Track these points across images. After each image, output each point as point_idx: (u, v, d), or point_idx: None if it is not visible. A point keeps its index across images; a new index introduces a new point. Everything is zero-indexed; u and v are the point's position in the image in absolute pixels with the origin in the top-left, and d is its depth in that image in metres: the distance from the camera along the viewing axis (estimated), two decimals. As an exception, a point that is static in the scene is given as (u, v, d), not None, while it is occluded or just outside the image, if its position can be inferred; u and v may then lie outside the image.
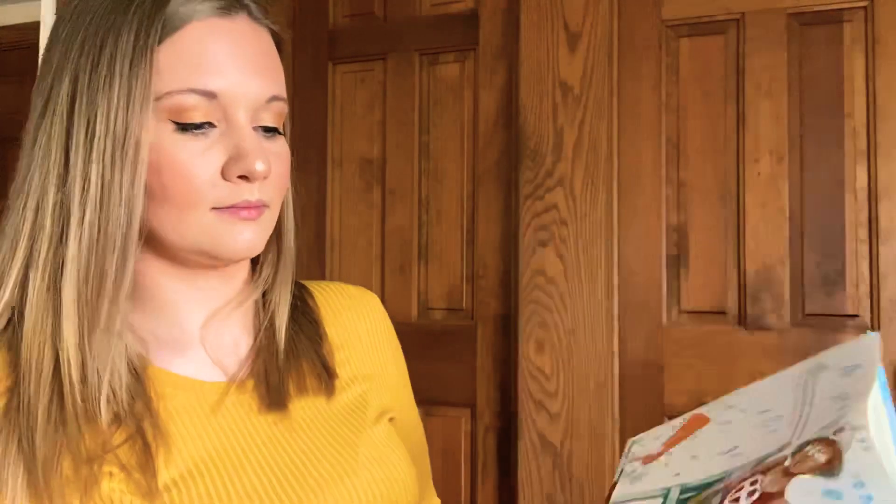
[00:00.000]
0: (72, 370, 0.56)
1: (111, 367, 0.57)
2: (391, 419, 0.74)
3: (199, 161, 0.59)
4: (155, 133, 0.58)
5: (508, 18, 1.59)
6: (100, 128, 0.57)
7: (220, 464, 0.59)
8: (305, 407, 0.66)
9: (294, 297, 0.71)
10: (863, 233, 1.34)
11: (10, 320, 0.59)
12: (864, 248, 1.34)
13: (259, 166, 0.59)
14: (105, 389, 0.57)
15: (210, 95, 0.58)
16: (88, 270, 0.57)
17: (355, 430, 0.67)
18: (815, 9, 1.37)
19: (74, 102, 0.58)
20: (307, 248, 1.74)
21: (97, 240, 0.57)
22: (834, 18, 1.37)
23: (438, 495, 0.89)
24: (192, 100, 0.58)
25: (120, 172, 0.57)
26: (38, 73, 0.62)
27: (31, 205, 0.59)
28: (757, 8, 1.40)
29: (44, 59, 0.62)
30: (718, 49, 1.44)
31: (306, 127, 1.76)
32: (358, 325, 0.76)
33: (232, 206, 0.60)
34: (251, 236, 0.61)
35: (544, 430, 1.46)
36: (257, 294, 0.68)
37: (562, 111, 1.49)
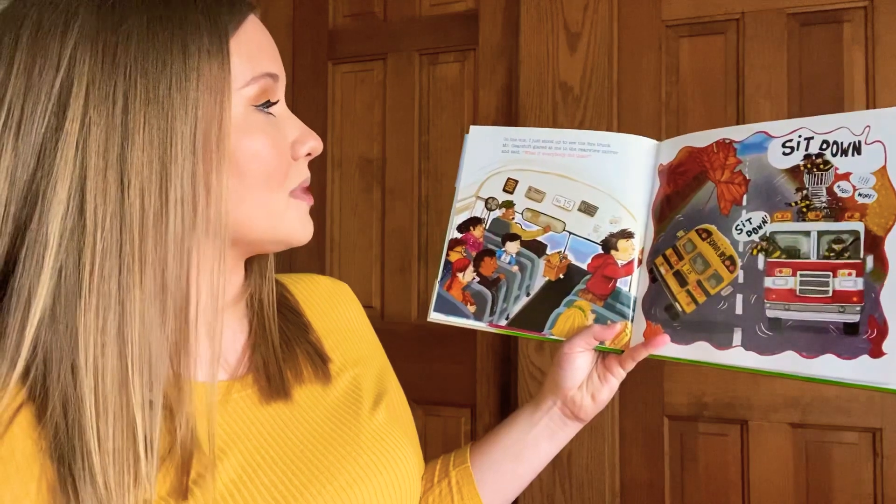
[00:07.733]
0: (149, 446, 0.52)
1: (153, 434, 0.53)
2: (384, 397, 0.75)
3: (276, 142, 0.61)
4: (240, 123, 0.58)
5: (508, 18, 1.59)
6: (188, 126, 0.54)
7: (239, 456, 0.59)
8: (305, 394, 0.67)
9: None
10: (863, 233, 1.34)
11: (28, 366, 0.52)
12: (864, 248, 1.34)
13: (319, 142, 0.64)
14: (155, 460, 0.53)
15: (275, 78, 0.61)
16: (165, 312, 0.54)
17: (354, 414, 0.68)
18: (815, 9, 1.37)
19: (149, 95, 0.54)
20: (307, 248, 1.74)
21: (179, 260, 0.54)
22: (834, 18, 1.37)
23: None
24: (266, 83, 0.60)
25: (217, 174, 0.56)
26: (72, 61, 0.53)
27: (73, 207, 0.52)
28: (757, 8, 1.40)
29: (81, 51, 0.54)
30: (718, 49, 1.44)
31: (306, 127, 1.76)
32: (337, 313, 0.78)
33: (299, 189, 0.63)
34: (311, 222, 0.66)
35: (544, 430, 1.46)
36: (253, 287, 0.69)
37: (562, 111, 1.49)
